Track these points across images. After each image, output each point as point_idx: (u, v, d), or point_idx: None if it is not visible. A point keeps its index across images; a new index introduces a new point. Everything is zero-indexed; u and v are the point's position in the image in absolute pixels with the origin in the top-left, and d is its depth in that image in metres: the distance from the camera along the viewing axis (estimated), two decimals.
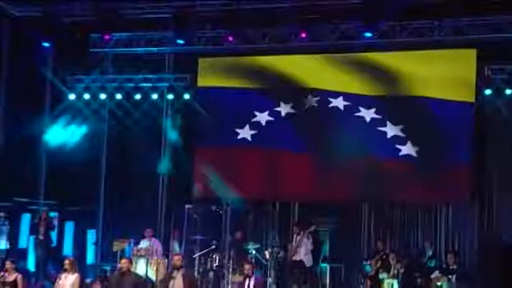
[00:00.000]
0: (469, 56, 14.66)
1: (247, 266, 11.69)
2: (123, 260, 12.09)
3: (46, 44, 16.13)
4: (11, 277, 12.29)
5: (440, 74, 14.72)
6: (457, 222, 14.80)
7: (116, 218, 16.61)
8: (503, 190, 14.72)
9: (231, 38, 15.56)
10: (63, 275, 12.15)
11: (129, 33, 16.28)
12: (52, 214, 16.05)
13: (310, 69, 15.60)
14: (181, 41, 15.85)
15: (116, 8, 15.60)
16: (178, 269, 11.54)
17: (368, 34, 14.96)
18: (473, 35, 14.52)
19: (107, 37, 16.29)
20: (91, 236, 17.02)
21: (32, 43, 15.97)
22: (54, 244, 15.90)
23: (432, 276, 12.46)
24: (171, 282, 11.43)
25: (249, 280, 11.38)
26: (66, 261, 12.29)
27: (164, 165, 16.53)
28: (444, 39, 14.77)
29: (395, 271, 12.74)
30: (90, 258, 16.82)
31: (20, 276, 12.41)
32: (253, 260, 13.76)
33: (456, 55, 14.80)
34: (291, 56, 15.78)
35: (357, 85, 15.25)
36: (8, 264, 12.39)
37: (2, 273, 12.33)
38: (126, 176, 16.85)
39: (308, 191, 15.22)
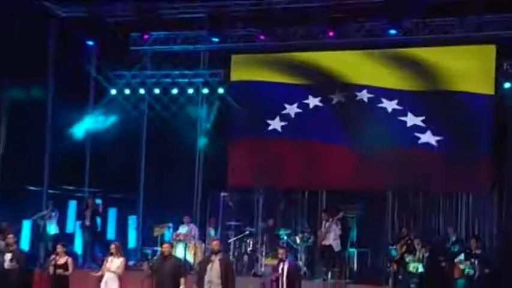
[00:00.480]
0: (489, 51, 14.63)
1: (281, 251, 11.76)
2: (165, 245, 12.24)
3: (90, 43, 16.38)
4: (62, 260, 12.59)
5: (463, 68, 14.73)
6: (477, 209, 14.75)
7: (155, 205, 16.82)
8: None
9: (262, 37, 15.65)
10: (109, 258, 12.36)
11: (166, 32, 16.46)
12: (97, 201, 16.27)
13: (349, 64, 15.56)
14: (215, 39, 15.97)
15: (155, 8, 15.77)
16: (216, 253, 11.64)
17: (393, 31, 14.96)
18: (492, 32, 14.42)
19: (146, 36, 16.44)
20: (132, 221, 17.24)
21: (77, 42, 16.22)
22: (99, 229, 16.12)
23: (456, 260, 12.43)
24: (209, 265, 11.54)
25: (283, 264, 11.45)
26: (112, 246, 12.49)
27: (202, 142, 16.61)
28: (465, 35, 14.70)
29: (421, 255, 12.73)
30: (132, 242, 17.04)
31: (70, 259, 12.73)
32: (285, 245, 13.83)
33: (477, 51, 14.79)
34: (329, 51, 15.75)
35: (394, 79, 15.19)
36: (60, 248, 12.69)
37: (53, 256, 12.62)
38: (164, 166, 17.05)
39: (337, 180, 15.28)
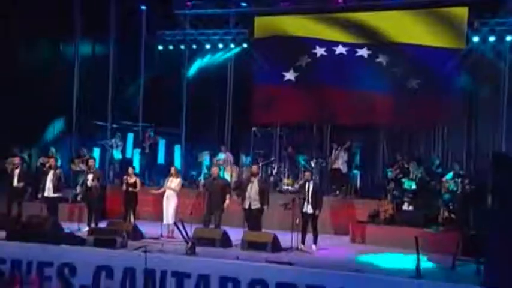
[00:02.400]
0: (463, 12, 14.38)
1: (307, 173, 11.85)
2: (214, 168, 12.34)
3: (143, 7, 16.17)
4: (132, 179, 12.69)
5: (440, 27, 14.44)
6: (451, 141, 14.79)
7: (195, 137, 16.82)
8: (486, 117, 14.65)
9: (285, 3, 15.37)
10: (170, 179, 12.44)
11: None
12: (151, 133, 16.24)
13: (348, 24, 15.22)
14: (243, 4, 15.65)
15: None
16: (255, 175, 11.74)
17: None
18: None
19: (188, 3, 16.18)
20: (177, 150, 17.19)
21: (132, 7, 16.15)
22: (154, 156, 16.15)
23: (443, 179, 12.53)
24: (250, 184, 11.71)
25: (308, 183, 11.56)
26: (172, 168, 12.59)
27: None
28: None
29: (414, 176, 12.81)
30: (177, 166, 16.98)
31: (138, 179, 12.86)
32: (302, 168, 13.86)
33: (453, 11, 14.49)
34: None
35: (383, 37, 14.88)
36: (130, 170, 12.80)
37: (125, 176, 12.70)
38: (202, 106, 16.95)
39: (340, 115, 15.21)
